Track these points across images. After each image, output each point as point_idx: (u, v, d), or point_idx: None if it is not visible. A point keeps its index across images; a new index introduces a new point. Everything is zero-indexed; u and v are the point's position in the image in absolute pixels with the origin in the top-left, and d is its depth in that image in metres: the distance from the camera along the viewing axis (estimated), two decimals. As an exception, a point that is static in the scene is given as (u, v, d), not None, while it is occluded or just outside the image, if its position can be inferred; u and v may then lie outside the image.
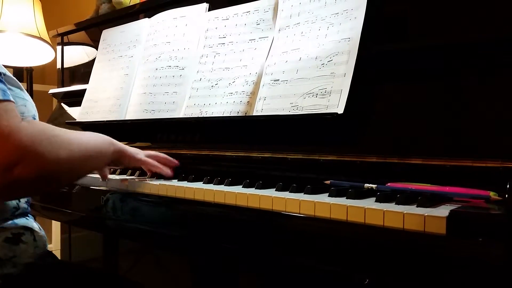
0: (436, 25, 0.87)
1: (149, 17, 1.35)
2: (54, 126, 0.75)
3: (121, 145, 0.93)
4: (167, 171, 0.99)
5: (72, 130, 0.79)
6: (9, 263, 0.81)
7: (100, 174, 1.00)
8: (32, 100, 0.91)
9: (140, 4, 1.46)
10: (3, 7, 1.92)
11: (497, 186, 0.64)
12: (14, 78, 0.86)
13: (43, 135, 0.69)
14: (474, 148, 0.71)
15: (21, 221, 0.87)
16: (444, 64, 0.82)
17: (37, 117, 0.90)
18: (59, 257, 1.43)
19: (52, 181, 0.74)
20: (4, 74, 0.77)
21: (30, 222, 0.90)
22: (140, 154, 0.96)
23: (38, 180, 0.69)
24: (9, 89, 0.80)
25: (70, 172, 0.77)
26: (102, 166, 0.92)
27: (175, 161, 1.02)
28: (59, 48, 1.79)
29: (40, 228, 0.92)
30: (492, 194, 0.62)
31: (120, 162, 0.93)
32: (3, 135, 0.65)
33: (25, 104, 0.86)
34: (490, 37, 0.78)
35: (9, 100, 0.70)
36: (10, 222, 0.84)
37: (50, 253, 0.97)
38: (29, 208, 0.93)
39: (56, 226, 2.43)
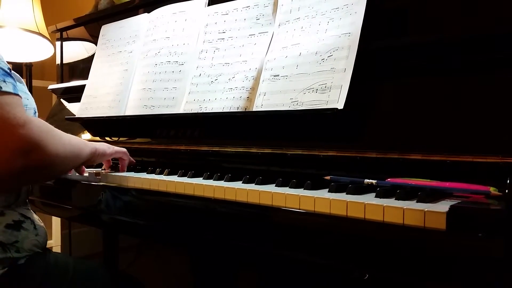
0: (437, 20, 0.87)
1: (149, 12, 1.35)
2: (52, 126, 0.81)
3: (94, 146, 0.99)
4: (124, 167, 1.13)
5: (61, 131, 0.85)
6: (13, 248, 0.83)
7: (77, 171, 1.08)
8: (30, 94, 0.94)
9: (139, -1, 1.45)
10: (1, 2, 1.91)
11: (497, 181, 0.64)
12: (16, 73, 0.89)
13: (47, 129, 0.77)
14: (474, 143, 0.71)
15: (21, 210, 0.89)
16: (444, 59, 0.81)
17: (37, 111, 0.94)
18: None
19: (47, 172, 0.81)
20: (10, 70, 0.81)
21: (29, 212, 0.92)
22: (111, 148, 1.05)
23: (42, 168, 0.77)
24: None
25: (60, 166, 0.84)
26: (78, 165, 0.99)
27: (134, 161, 1.16)
28: (58, 43, 1.78)
29: (39, 219, 0.94)
30: (492, 189, 0.62)
31: (94, 161, 1.01)
32: (18, 124, 0.71)
33: (27, 98, 0.90)
34: (489, 32, 0.77)
35: (18, 95, 0.76)
36: (11, 210, 0.86)
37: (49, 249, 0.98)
38: (28, 199, 0.94)
39: (56, 222, 2.44)
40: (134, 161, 1.16)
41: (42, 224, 0.93)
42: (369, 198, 0.67)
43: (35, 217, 0.92)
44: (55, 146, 0.77)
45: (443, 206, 0.59)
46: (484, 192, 0.63)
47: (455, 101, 0.77)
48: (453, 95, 0.78)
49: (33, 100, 0.93)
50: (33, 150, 0.73)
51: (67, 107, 1.62)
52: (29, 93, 0.92)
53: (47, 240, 0.93)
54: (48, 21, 2.01)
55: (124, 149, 1.12)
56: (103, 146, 1.02)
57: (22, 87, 0.89)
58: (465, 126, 0.74)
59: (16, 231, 0.84)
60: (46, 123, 0.78)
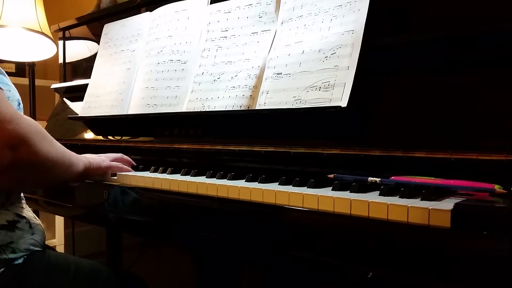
0: (441, 17, 0.86)
1: (151, 10, 1.35)
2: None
3: (88, 160, 0.97)
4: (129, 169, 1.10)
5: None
6: (8, 249, 0.82)
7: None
8: (13, 85, 0.92)
9: (142, -2, 1.45)
10: (4, 2, 1.92)
11: (502, 179, 0.64)
12: None
13: (36, 129, 0.76)
14: (479, 141, 0.71)
15: (15, 209, 0.87)
16: (449, 57, 0.81)
17: (21, 102, 0.92)
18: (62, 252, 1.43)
19: (38, 173, 0.80)
20: None
21: (24, 210, 0.90)
22: (105, 161, 1.04)
23: (31, 167, 0.76)
24: None
25: (52, 170, 0.82)
26: (72, 179, 0.95)
27: (133, 162, 1.14)
28: (61, 42, 1.78)
29: (35, 217, 0.92)
30: (497, 187, 0.62)
31: (90, 176, 1.00)
32: (5, 119, 0.70)
33: (9, 90, 0.88)
34: (495, 29, 0.77)
35: (1, 88, 0.75)
36: (4, 209, 0.85)
37: (49, 247, 0.97)
38: (22, 195, 0.93)
39: (59, 221, 2.44)
40: (134, 163, 1.15)
41: (39, 222, 0.92)
42: (373, 196, 0.67)
43: (31, 215, 0.91)
44: (45, 146, 0.77)
45: (448, 204, 0.59)
46: (489, 190, 0.63)
47: (459, 99, 0.77)
48: (458, 93, 0.77)
49: (16, 91, 0.91)
50: (21, 146, 0.72)
51: (70, 106, 1.62)
52: (11, 84, 0.90)
53: (45, 238, 0.92)
54: (50, 21, 2.02)
55: (119, 160, 1.09)
56: (98, 160, 1.01)
57: (3, 79, 0.87)
58: (469, 123, 0.73)
59: (10, 232, 0.83)
60: (37, 123, 0.77)
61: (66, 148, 0.88)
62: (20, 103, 0.91)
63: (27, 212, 0.91)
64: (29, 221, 0.88)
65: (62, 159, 0.84)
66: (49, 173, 0.83)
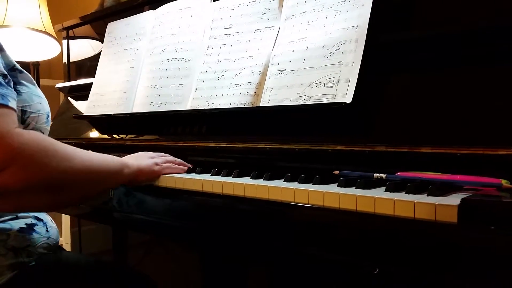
0: (447, 12, 0.86)
1: (154, 9, 1.35)
2: (59, 142, 0.73)
3: (136, 166, 0.90)
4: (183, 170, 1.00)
5: (79, 149, 0.76)
6: (24, 252, 0.83)
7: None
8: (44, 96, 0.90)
9: (145, -4, 1.45)
10: (8, 2, 1.92)
11: (509, 173, 0.63)
12: (29, 75, 0.86)
13: (38, 145, 0.69)
14: (485, 135, 0.70)
15: (33, 213, 0.89)
16: (455, 52, 0.80)
17: (50, 114, 0.89)
18: (69, 250, 1.44)
19: (47, 195, 0.73)
20: (21, 72, 0.80)
21: (42, 214, 0.91)
22: (155, 167, 0.94)
23: (26, 190, 0.68)
24: (25, 86, 0.81)
25: (70, 189, 0.75)
26: (113, 186, 0.92)
27: (189, 165, 1.01)
28: (65, 42, 1.79)
29: (52, 220, 0.93)
30: (504, 182, 0.62)
31: (138, 182, 0.92)
32: None
33: (40, 102, 0.85)
34: (502, 24, 0.76)
35: (6, 106, 0.70)
36: (23, 213, 0.86)
37: (60, 247, 0.99)
38: None
39: (66, 220, 2.46)
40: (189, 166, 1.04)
41: (55, 225, 0.93)
42: (379, 192, 0.66)
43: (48, 218, 0.92)
44: (49, 164, 0.69)
45: (454, 199, 0.59)
46: (495, 185, 0.62)
47: (465, 94, 0.76)
48: (464, 88, 0.77)
49: (47, 103, 0.87)
50: (9, 168, 0.65)
51: (75, 105, 1.63)
52: (43, 96, 0.87)
53: (58, 241, 0.94)
54: (54, 20, 2.02)
55: (168, 159, 1.00)
56: (152, 168, 0.92)
57: (36, 91, 0.85)
58: (475, 118, 0.73)
59: (28, 235, 0.84)
60: (43, 139, 0.71)
61: (97, 157, 0.80)
62: (49, 116, 0.88)
63: (45, 215, 0.92)
64: (46, 224, 0.89)
65: (85, 172, 0.76)
66: (69, 190, 0.76)
